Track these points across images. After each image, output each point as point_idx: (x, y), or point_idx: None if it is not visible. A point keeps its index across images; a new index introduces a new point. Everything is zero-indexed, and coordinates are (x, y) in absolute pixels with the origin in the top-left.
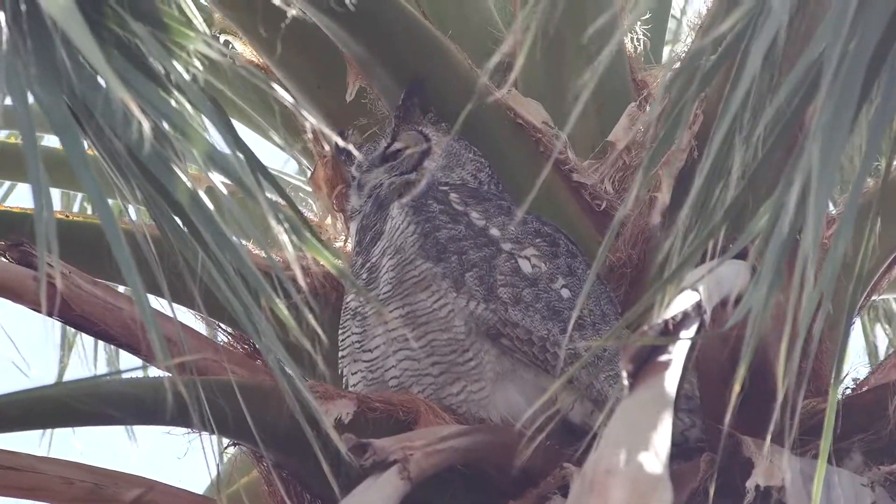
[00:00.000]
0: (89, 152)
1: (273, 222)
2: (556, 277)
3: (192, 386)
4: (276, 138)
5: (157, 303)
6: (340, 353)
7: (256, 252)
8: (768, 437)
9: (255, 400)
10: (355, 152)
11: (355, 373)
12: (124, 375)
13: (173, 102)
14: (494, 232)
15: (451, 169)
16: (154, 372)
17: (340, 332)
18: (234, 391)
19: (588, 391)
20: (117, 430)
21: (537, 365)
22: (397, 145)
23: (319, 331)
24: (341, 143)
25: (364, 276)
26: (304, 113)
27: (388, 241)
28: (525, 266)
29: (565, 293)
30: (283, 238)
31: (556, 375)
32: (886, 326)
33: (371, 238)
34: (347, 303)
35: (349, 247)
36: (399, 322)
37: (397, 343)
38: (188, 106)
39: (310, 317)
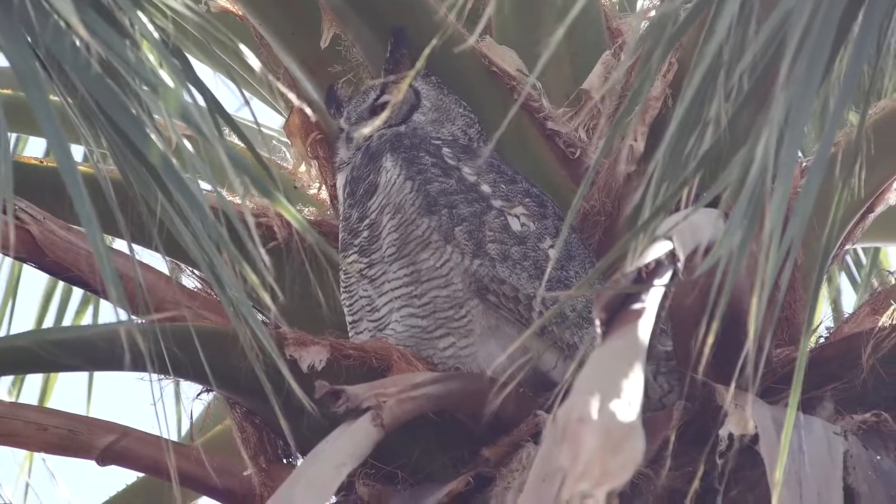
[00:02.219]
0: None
1: (236, 179)
2: (544, 237)
3: (153, 333)
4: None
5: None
6: (350, 318)
7: (230, 199)
8: (733, 384)
9: (224, 346)
10: (308, 111)
11: (361, 332)
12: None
13: (143, 57)
14: (485, 188)
15: (441, 123)
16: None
17: (346, 295)
18: (204, 338)
19: (570, 350)
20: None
21: (522, 323)
22: (386, 98)
23: (275, 286)
24: (296, 101)
25: (365, 233)
26: (269, 75)
27: (386, 197)
28: (514, 224)
29: (552, 254)
30: (246, 191)
31: (541, 334)
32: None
33: (365, 190)
34: (350, 264)
35: (323, 194)
36: (403, 281)
37: (401, 300)
38: (154, 58)
39: (267, 274)
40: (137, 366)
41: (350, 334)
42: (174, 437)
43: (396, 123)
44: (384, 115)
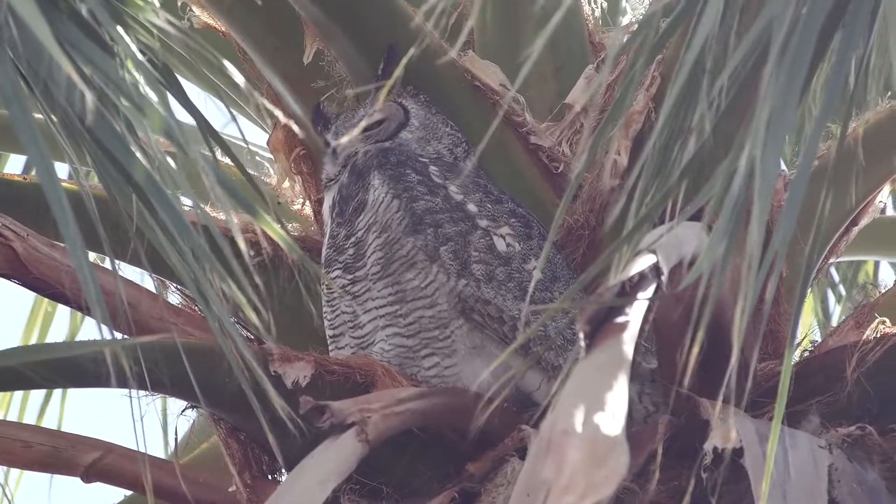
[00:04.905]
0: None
1: (219, 201)
2: (529, 258)
3: (133, 349)
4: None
5: (122, 268)
6: (332, 333)
7: (215, 215)
8: (720, 399)
9: (209, 362)
10: (296, 128)
11: (343, 347)
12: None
13: (127, 74)
14: (471, 207)
15: (427, 141)
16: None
17: (328, 309)
18: (190, 354)
19: (554, 371)
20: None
21: (506, 343)
22: (377, 116)
23: (258, 304)
24: (283, 118)
25: (351, 251)
26: (253, 91)
27: (373, 215)
28: (500, 244)
29: (536, 274)
30: (229, 211)
31: (525, 354)
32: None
33: (354, 209)
34: (333, 279)
35: (307, 210)
36: (388, 300)
37: (385, 320)
38: (138, 76)
39: (252, 294)
40: (123, 384)
41: (330, 348)
42: (161, 455)
43: (384, 140)
44: (361, 125)
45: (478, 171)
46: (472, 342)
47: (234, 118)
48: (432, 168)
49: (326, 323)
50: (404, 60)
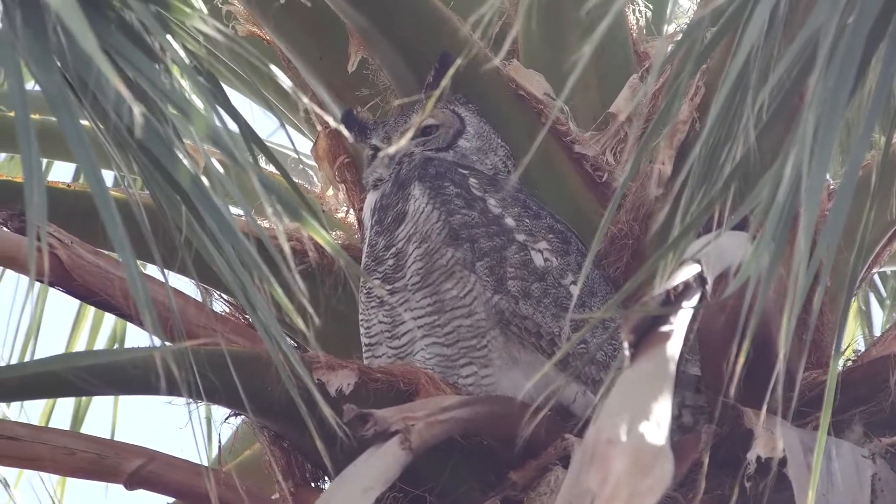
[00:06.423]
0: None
1: (268, 204)
2: (567, 274)
3: (185, 357)
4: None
5: (161, 276)
6: (368, 341)
7: (260, 222)
8: (764, 408)
9: (254, 370)
10: (346, 133)
11: (380, 356)
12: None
13: (173, 81)
14: (509, 221)
15: (485, 153)
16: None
17: (365, 319)
18: (237, 361)
19: (592, 385)
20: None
21: (545, 356)
22: (430, 121)
23: (310, 309)
24: (333, 122)
25: (391, 262)
26: (300, 94)
27: (413, 226)
28: (538, 259)
29: (574, 290)
30: (278, 216)
31: (566, 370)
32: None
33: (393, 219)
34: (369, 289)
35: (350, 218)
36: (426, 310)
37: (423, 330)
38: (185, 83)
39: (301, 298)
40: (172, 391)
41: (366, 356)
42: (204, 462)
43: (443, 147)
44: (408, 135)
45: (519, 186)
46: (508, 352)
47: (282, 124)
48: (472, 180)
49: (363, 331)
50: (451, 70)
